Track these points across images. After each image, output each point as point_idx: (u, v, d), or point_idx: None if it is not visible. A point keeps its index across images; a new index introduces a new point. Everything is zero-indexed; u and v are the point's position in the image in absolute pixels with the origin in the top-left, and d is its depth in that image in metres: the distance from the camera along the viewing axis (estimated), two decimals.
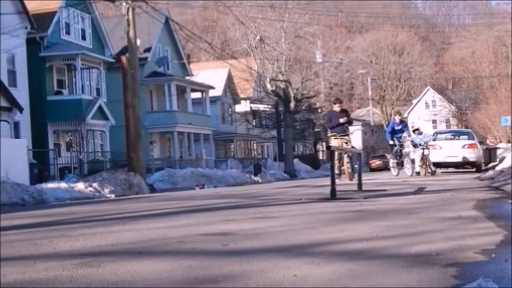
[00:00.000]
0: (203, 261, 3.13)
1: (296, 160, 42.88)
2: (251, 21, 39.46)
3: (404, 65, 73.72)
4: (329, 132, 16.05)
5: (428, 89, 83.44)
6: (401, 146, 19.17)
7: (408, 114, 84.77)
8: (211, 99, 44.38)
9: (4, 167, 17.22)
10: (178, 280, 2.68)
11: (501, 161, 20.74)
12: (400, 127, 19.09)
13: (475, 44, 73.66)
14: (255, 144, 55.43)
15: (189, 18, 75.30)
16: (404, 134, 19.21)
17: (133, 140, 20.58)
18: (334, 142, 15.09)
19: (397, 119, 19.42)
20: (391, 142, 19.19)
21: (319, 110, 53.18)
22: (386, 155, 59.56)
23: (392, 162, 20.29)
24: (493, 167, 19.08)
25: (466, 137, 24.68)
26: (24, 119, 27.11)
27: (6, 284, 2.72)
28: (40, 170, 23.15)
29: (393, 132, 19.18)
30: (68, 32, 32.39)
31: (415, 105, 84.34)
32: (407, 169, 19.48)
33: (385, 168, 52.56)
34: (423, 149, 21.25)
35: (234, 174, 27.13)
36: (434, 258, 2.97)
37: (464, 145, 23.08)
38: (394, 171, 19.95)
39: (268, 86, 41.08)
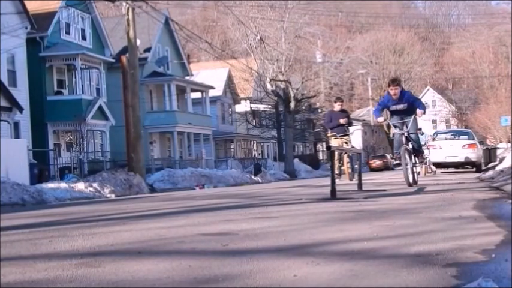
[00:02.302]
0: (203, 261, 3.13)
1: (296, 160, 42.88)
2: (251, 21, 39.45)
3: (404, 65, 73.75)
4: (329, 132, 16.08)
5: (428, 89, 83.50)
6: (404, 134, 11.01)
7: None
8: (211, 99, 44.40)
9: (4, 167, 17.22)
10: (178, 280, 2.68)
11: (501, 161, 20.75)
12: (402, 106, 11.01)
13: (475, 44, 73.73)
14: (255, 144, 55.42)
15: (189, 18, 75.31)
16: (419, 114, 11.06)
17: (133, 140, 20.59)
18: (334, 142, 15.11)
19: (393, 92, 10.89)
20: (380, 119, 11.22)
21: (319, 110, 53.17)
22: (386, 155, 59.73)
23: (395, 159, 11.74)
24: (493, 167, 19.08)
25: (466, 137, 24.72)
26: (24, 119, 27.12)
27: (6, 284, 2.72)
28: (40, 170, 23.15)
29: (396, 116, 11.39)
30: (68, 32, 32.40)
31: None
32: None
33: (385, 168, 52.70)
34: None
35: (234, 174, 27.12)
36: (434, 258, 2.97)
37: (464, 145, 23.12)
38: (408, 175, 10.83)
39: (268, 86, 41.08)
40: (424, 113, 11.32)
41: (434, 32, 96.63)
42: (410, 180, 10.59)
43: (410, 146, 11.18)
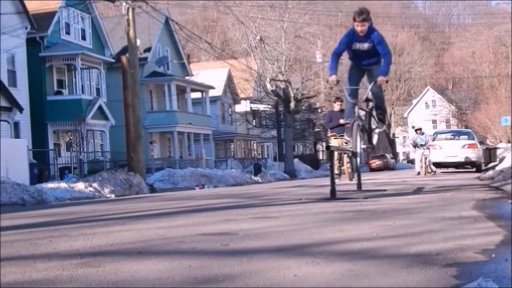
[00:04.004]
0: (203, 261, 3.13)
1: (296, 160, 42.89)
2: (251, 21, 39.47)
3: (404, 65, 73.78)
4: (329, 132, 16.09)
5: (428, 89, 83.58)
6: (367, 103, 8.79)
7: (408, 114, 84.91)
8: (211, 99, 44.42)
9: (4, 167, 17.22)
10: (178, 280, 2.68)
11: (501, 161, 20.75)
12: (367, 45, 8.32)
13: (475, 44, 73.74)
14: (255, 144, 55.43)
15: (189, 18, 75.33)
16: (379, 81, 8.36)
17: (133, 140, 20.59)
18: (334, 142, 15.12)
19: (360, 28, 8.17)
20: (332, 79, 8.31)
21: (319, 110, 53.20)
22: (387, 155, 59.58)
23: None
24: (493, 167, 19.08)
25: (466, 137, 24.75)
26: (24, 119, 27.12)
27: (6, 284, 2.72)
28: (40, 170, 23.16)
29: (356, 60, 8.70)
30: (68, 32, 32.42)
31: (415, 105, 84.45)
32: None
33: (385, 168, 52.70)
34: (424, 149, 21.29)
35: (234, 174, 27.12)
36: (434, 258, 2.97)
37: (464, 145, 23.14)
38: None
39: (268, 86, 41.09)
40: (387, 82, 8.57)
41: (434, 32, 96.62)
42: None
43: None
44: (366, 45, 8.35)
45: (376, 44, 8.33)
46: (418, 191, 9.46)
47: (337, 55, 8.57)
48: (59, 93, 31.45)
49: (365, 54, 8.49)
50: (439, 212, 5.44)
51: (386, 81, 8.50)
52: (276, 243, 3.74)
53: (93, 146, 31.90)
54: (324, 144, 48.07)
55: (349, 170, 15.41)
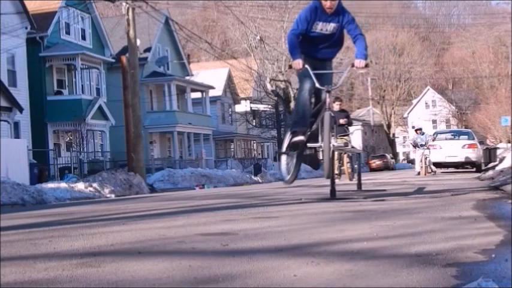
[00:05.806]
0: (203, 261, 3.13)
1: None
2: (251, 21, 39.50)
3: (404, 65, 73.78)
4: None
5: (428, 89, 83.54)
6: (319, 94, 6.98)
7: (408, 114, 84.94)
8: (211, 99, 44.42)
9: (4, 167, 17.22)
10: (178, 280, 2.68)
11: (501, 161, 20.76)
12: (333, 26, 6.85)
13: (475, 44, 73.80)
14: (255, 144, 55.43)
15: (189, 18, 75.34)
16: (357, 64, 6.85)
17: (133, 140, 20.60)
18: (333, 142, 15.10)
19: (329, 4, 6.57)
20: (297, 64, 6.58)
21: None
22: (386, 155, 59.59)
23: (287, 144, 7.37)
24: (493, 167, 19.08)
25: (466, 137, 24.77)
26: (24, 119, 27.13)
27: (6, 284, 2.72)
28: (40, 170, 23.16)
29: (310, 49, 6.93)
30: (68, 32, 32.43)
31: (415, 105, 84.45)
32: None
33: (385, 168, 52.70)
34: (424, 149, 21.29)
35: (234, 174, 27.11)
36: (434, 258, 2.97)
37: (464, 145, 23.16)
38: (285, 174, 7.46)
39: (268, 86, 41.12)
40: (367, 66, 6.85)
41: (434, 32, 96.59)
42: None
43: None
44: (331, 26, 6.74)
45: (345, 23, 6.76)
46: (418, 191, 9.46)
47: (297, 36, 6.69)
48: (59, 93, 31.46)
49: (326, 40, 6.82)
50: (439, 212, 5.43)
51: (366, 65, 6.82)
52: (276, 243, 3.74)
53: (93, 146, 31.91)
54: None
55: (349, 170, 15.43)
